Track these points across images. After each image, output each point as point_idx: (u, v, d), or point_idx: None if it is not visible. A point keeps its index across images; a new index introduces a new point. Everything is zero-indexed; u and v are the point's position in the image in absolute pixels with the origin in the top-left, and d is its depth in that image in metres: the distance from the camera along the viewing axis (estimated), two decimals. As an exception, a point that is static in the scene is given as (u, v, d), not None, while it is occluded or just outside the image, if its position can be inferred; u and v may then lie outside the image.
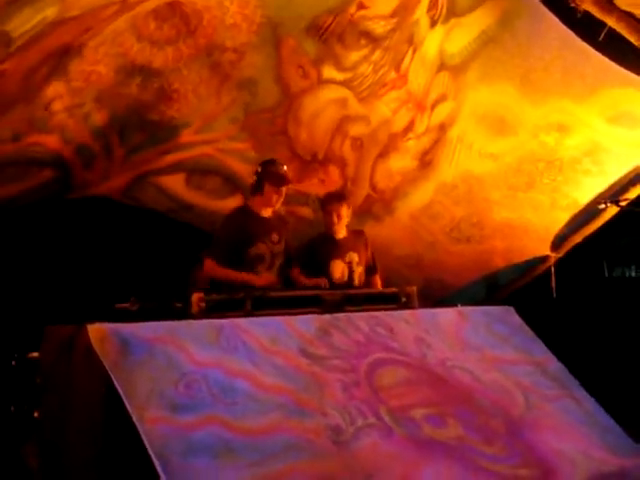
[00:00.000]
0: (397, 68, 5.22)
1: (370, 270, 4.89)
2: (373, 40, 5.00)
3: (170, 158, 5.47)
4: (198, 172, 5.63)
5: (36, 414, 4.06)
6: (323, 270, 4.66)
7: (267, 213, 4.54)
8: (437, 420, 3.22)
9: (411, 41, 5.14)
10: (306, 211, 5.85)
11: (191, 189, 5.73)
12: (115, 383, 2.94)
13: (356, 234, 4.96)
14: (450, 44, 5.30)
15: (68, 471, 3.32)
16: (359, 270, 4.82)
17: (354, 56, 5.04)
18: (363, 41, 4.97)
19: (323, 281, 4.44)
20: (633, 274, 9.57)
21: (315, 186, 5.76)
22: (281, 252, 4.53)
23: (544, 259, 6.34)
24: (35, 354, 4.48)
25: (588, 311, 6.61)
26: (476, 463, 3.05)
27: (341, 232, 4.84)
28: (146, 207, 5.79)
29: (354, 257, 4.81)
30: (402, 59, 5.19)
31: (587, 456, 3.27)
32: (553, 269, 6.24)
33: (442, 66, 5.35)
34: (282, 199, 4.49)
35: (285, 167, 4.55)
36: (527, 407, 3.49)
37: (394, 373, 3.42)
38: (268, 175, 4.45)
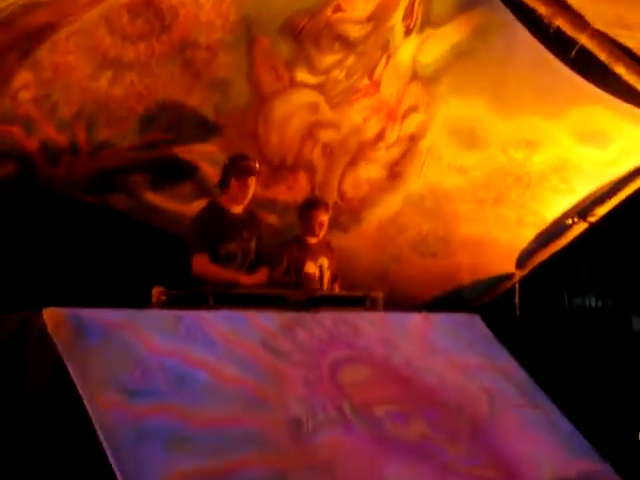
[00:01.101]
0: (370, 75, 5.19)
1: (334, 279, 5.03)
2: (348, 45, 4.98)
3: (136, 157, 5.37)
4: (164, 173, 5.52)
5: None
6: (297, 271, 4.79)
7: (237, 210, 4.51)
8: (400, 418, 3.16)
9: (385, 48, 5.12)
10: (272, 218, 5.77)
11: (156, 190, 5.63)
12: (68, 366, 2.83)
13: (324, 242, 5.12)
14: (423, 55, 5.30)
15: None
16: (327, 275, 4.97)
17: (328, 59, 5.01)
18: (337, 45, 4.95)
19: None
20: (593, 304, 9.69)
21: (282, 193, 5.69)
22: (252, 250, 4.49)
23: (509, 276, 6.33)
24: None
25: (551, 330, 6.65)
26: (440, 461, 2.99)
27: (315, 238, 4.99)
28: (110, 207, 5.67)
29: (324, 262, 4.97)
30: (375, 66, 5.17)
31: (550, 460, 3.24)
32: (517, 286, 6.24)
33: (415, 76, 5.34)
34: (250, 193, 4.44)
35: (253, 161, 4.50)
36: (491, 411, 3.45)
37: (358, 371, 3.36)
38: (234, 169, 4.44)
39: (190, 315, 3.26)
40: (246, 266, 4.45)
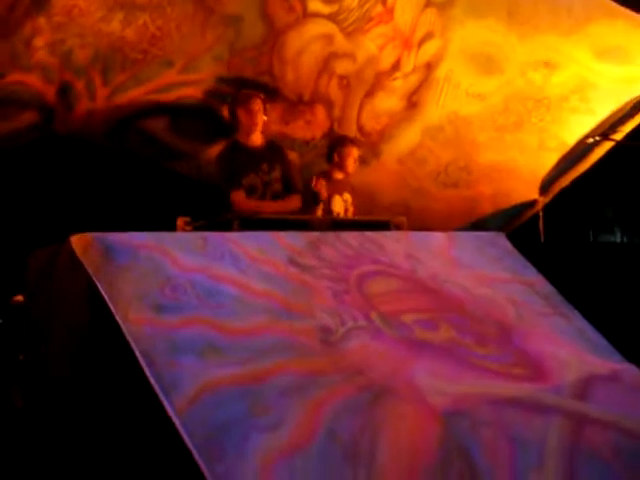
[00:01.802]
0: (383, 2, 5.12)
1: None
2: (360, -29, 4.93)
3: (154, 99, 5.37)
4: (182, 115, 5.52)
5: (21, 357, 4.03)
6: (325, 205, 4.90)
7: (256, 141, 4.58)
8: (428, 324, 3.19)
9: (398, -26, 5.07)
10: (292, 155, 5.76)
11: (175, 133, 5.64)
12: (99, 286, 2.88)
13: (347, 179, 5.24)
14: (437, -22, 5.23)
15: (52, 388, 3.26)
16: (351, 210, 5.13)
17: (340, -13, 4.97)
18: (349, -29, 4.90)
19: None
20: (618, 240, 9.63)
21: (301, 129, 5.69)
22: (275, 179, 4.52)
23: (532, 203, 6.30)
24: (19, 297, 4.44)
25: (576, 263, 6.60)
26: (469, 360, 3.02)
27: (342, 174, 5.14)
28: (130, 152, 5.70)
29: (349, 198, 5.13)
30: (388, -8, 5.12)
31: (579, 360, 3.25)
32: (541, 213, 6.20)
33: (429, 2, 5.27)
34: (260, 118, 4.49)
35: (253, 90, 4.61)
36: (519, 318, 3.46)
37: (384, 283, 3.39)
38: (236, 100, 4.49)
39: (216, 236, 3.30)
40: (270, 197, 4.50)
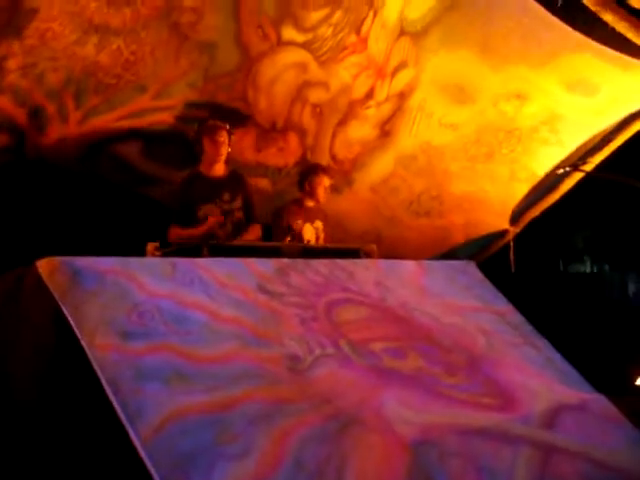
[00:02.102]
0: (357, 31, 5.18)
1: None
2: (333, 0, 4.97)
3: (126, 124, 5.35)
4: (155, 141, 5.51)
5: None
6: (295, 233, 4.84)
7: (218, 172, 4.58)
8: (397, 352, 3.17)
9: (372, 3, 5.12)
10: (264, 182, 5.78)
11: (148, 159, 5.62)
12: (65, 311, 2.84)
13: (319, 206, 5.23)
14: (410, 10, 5.29)
15: (17, 411, 3.19)
16: (322, 237, 5.13)
17: (314, 16, 5.00)
18: (323, 1, 4.93)
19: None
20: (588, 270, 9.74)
21: (274, 156, 5.70)
22: (237, 209, 4.51)
23: (503, 233, 6.34)
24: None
25: (546, 293, 6.64)
26: (437, 390, 3.01)
27: (313, 202, 5.13)
28: (102, 177, 5.66)
29: (320, 225, 5.12)
30: (362, 22, 5.16)
31: (549, 389, 3.25)
32: (512, 243, 6.24)
33: (402, 32, 5.33)
34: (224, 149, 4.50)
35: (220, 120, 4.60)
36: (489, 347, 3.46)
37: (353, 310, 3.37)
38: (202, 129, 4.52)
39: (185, 261, 3.27)
40: (230, 227, 4.48)
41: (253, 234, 4.49)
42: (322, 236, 5.13)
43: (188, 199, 4.54)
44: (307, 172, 5.18)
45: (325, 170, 5.19)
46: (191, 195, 4.54)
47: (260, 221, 4.74)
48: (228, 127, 4.63)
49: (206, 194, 4.52)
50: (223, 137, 4.54)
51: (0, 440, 3.12)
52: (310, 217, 5.09)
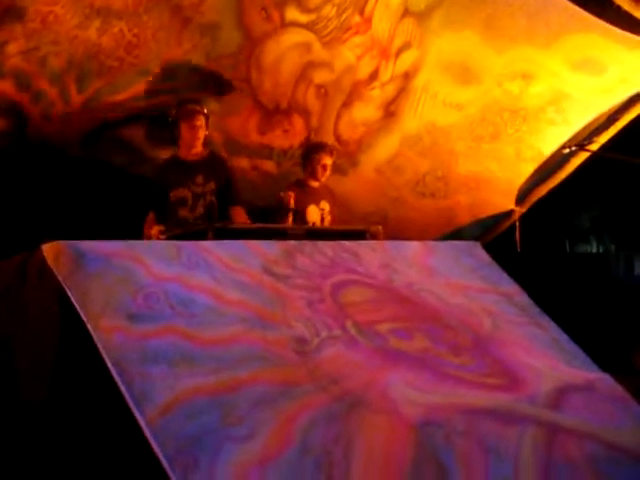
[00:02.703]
0: (361, 11, 5.14)
1: None
2: (337, -20, 4.94)
3: (129, 107, 5.34)
4: (159, 123, 5.49)
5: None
6: (298, 214, 4.81)
7: (194, 156, 4.51)
8: (403, 333, 3.16)
9: (375, -17, 5.08)
10: (270, 165, 5.76)
11: (151, 141, 5.61)
12: (69, 294, 2.83)
13: (326, 186, 5.17)
14: (414, -11, 5.25)
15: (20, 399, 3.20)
16: (328, 219, 5.06)
17: (317, -4, 4.97)
18: (327, -20, 4.91)
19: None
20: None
21: (278, 138, 5.68)
22: (208, 192, 4.47)
23: (508, 214, 6.32)
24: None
25: (552, 268, 6.62)
26: (443, 370, 3.00)
27: (317, 182, 5.06)
28: (104, 160, 5.66)
29: (326, 206, 5.05)
30: (366, 2, 5.12)
31: (555, 370, 3.24)
32: (518, 223, 6.23)
33: (406, 12, 5.28)
34: (201, 133, 4.46)
35: (197, 103, 4.55)
36: (494, 327, 3.44)
37: (359, 292, 3.35)
38: (179, 113, 4.47)
39: (190, 245, 3.25)
40: (202, 210, 4.45)
41: (238, 217, 4.44)
42: (328, 218, 5.06)
43: (163, 183, 4.49)
44: (308, 151, 5.12)
45: (325, 148, 5.09)
46: (166, 179, 4.49)
47: (242, 203, 4.62)
48: (205, 111, 4.57)
49: (179, 178, 4.46)
50: (200, 121, 4.47)
51: (6, 420, 3.13)
52: (315, 198, 5.03)
